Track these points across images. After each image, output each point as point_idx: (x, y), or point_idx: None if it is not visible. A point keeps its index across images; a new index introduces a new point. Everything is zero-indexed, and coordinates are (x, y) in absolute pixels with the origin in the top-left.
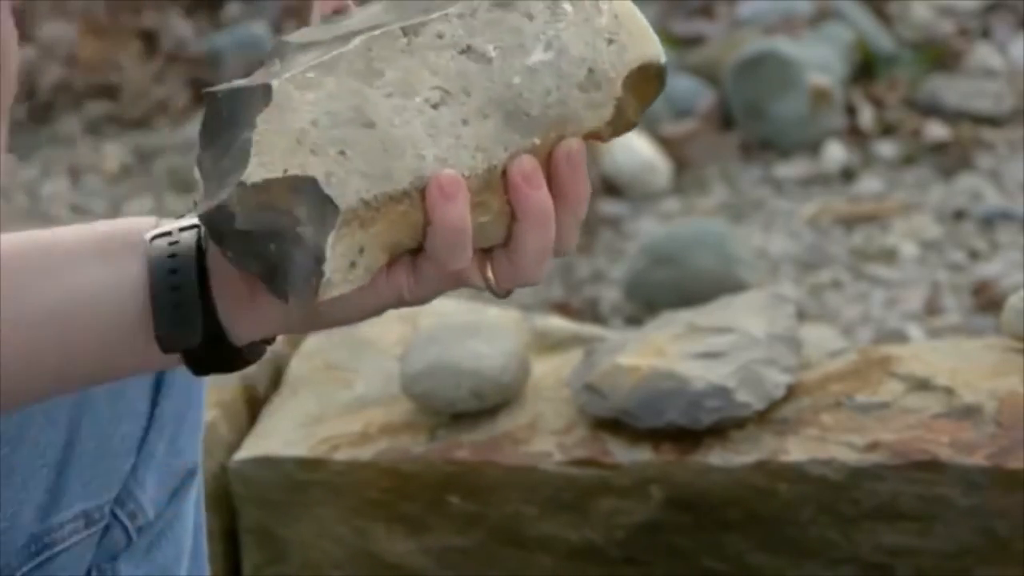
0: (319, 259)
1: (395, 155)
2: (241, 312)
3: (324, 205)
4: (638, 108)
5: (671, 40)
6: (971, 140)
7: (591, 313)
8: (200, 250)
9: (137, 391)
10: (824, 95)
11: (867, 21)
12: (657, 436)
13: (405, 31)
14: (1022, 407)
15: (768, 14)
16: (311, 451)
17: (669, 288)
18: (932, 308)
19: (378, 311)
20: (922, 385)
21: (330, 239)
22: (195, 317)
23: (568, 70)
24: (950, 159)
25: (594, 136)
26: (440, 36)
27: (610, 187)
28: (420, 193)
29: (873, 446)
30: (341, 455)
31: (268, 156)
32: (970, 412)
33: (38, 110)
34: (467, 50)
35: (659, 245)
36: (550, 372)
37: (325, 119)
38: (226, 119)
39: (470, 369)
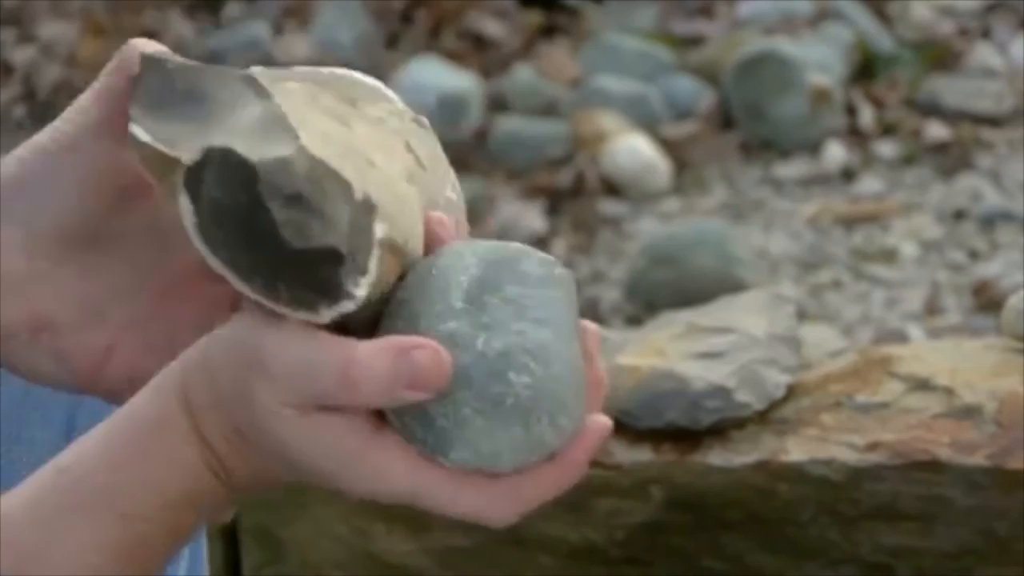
0: (361, 264)
1: (397, 206)
2: None
3: (361, 210)
4: None
5: (671, 40)
6: (971, 140)
7: (591, 313)
8: None
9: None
10: (824, 95)
11: (867, 21)
12: (657, 436)
13: (344, 97)
14: (1022, 407)
15: (768, 14)
16: None
17: (669, 288)
18: (932, 308)
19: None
20: (922, 385)
21: (375, 244)
22: None
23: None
24: (950, 159)
25: None
26: (381, 122)
27: (610, 187)
28: (400, 253)
29: (873, 446)
30: None
31: (308, 138)
32: (970, 412)
33: (38, 110)
34: (408, 147)
35: (659, 245)
36: None
37: (336, 132)
38: (184, 91)
39: None
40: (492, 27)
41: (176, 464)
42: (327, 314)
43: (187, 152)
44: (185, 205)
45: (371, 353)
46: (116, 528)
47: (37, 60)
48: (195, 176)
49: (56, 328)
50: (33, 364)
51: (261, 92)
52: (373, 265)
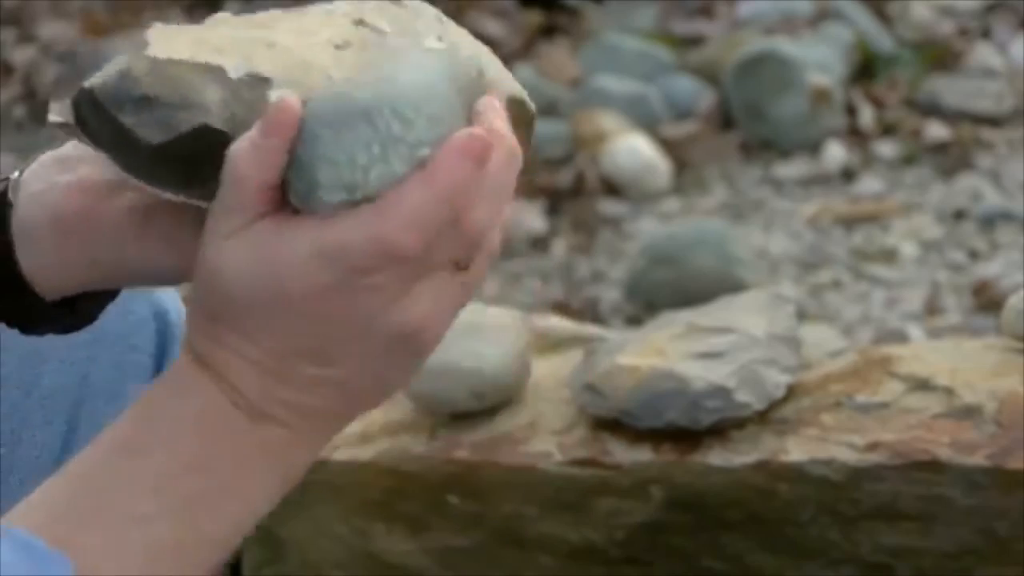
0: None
1: (301, 70)
2: (46, 261)
3: (247, 86)
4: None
5: (671, 40)
6: (971, 140)
7: (591, 313)
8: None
9: (135, 391)
10: (824, 95)
11: (867, 21)
12: (657, 436)
13: (287, 11)
14: (1022, 407)
15: (768, 14)
16: None
17: (669, 288)
18: (932, 308)
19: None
20: (922, 385)
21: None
22: None
23: (463, 63)
24: (950, 159)
25: None
26: (329, 12)
27: (610, 187)
28: None
29: (873, 446)
30: (341, 455)
31: (168, 48)
32: (970, 412)
33: (38, 110)
34: (360, 23)
35: (659, 245)
36: (550, 372)
37: (224, 39)
38: (88, 71)
39: (470, 369)
40: (492, 27)
41: (184, 393)
42: None
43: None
44: (101, 157)
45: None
46: (153, 465)
47: (37, 60)
48: (83, 127)
49: (165, 210)
50: (144, 255)
51: (141, 43)
52: None
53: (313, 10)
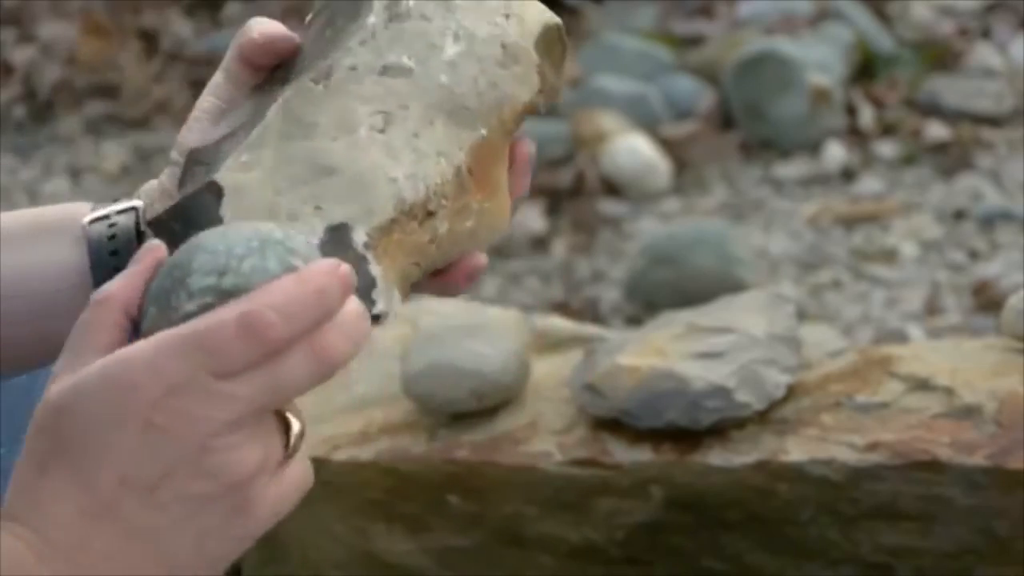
0: (369, 292)
1: (369, 188)
2: None
3: (334, 245)
4: (556, 70)
5: (671, 40)
6: (971, 140)
7: (591, 313)
8: (139, 231)
9: None
10: (824, 95)
11: (867, 21)
12: (657, 436)
13: (315, 79)
14: (1022, 407)
15: (768, 14)
16: (311, 451)
17: (669, 288)
18: (932, 308)
19: None
20: (922, 385)
21: (372, 266)
22: None
23: (484, 52)
24: (950, 159)
25: (530, 110)
26: (353, 68)
27: (610, 187)
28: (407, 217)
29: (873, 446)
30: (341, 455)
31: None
32: (970, 412)
33: (38, 110)
34: (384, 70)
35: (659, 245)
36: (550, 372)
37: (285, 184)
38: (184, 235)
39: (470, 369)
40: None
41: None
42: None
43: None
44: None
45: None
46: None
47: (37, 60)
48: None
49: None
50: None
51: (214, 219)
52: (379, 288)
53: (339, 69)
